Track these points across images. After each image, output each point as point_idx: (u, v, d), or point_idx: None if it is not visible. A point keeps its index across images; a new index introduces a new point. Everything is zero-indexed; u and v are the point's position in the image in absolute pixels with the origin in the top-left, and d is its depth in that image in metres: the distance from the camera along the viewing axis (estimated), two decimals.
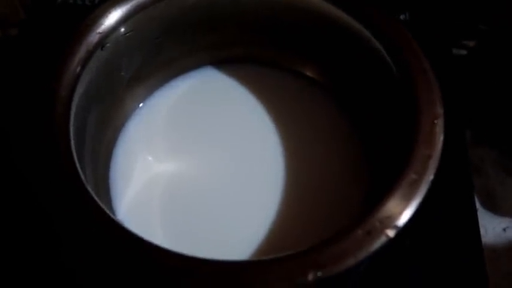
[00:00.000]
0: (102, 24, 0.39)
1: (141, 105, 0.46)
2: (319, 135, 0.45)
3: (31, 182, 0.42)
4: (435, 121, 0.35)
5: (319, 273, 0.29)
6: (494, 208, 0.52)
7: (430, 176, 0.34)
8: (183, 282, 0.28)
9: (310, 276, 0.29)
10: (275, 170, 0.43)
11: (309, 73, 0.48)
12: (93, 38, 0.38)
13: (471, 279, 0.44)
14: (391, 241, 0.31)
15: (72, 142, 0.33)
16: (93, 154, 0.39)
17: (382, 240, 0.31)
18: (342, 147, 0.44)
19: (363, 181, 0.42)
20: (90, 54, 0.37)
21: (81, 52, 0.37)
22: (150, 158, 0.44)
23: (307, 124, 0.46)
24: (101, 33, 0.38)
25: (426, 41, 0.39)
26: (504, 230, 0.52)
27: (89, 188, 0.31)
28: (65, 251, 0.41)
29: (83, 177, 0.32)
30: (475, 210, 0.49)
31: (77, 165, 0.32)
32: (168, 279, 0.29)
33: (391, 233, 0.31)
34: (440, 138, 0.35)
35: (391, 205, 0.32)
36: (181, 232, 0.40)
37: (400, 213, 0.32)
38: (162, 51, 0.45)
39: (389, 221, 0.32)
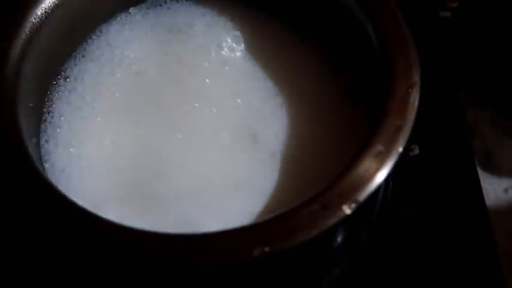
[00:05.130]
0: None
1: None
2: (308, 91, 0.41)
3: None
4: (409, 90, 0.33)
5: (266, 249, 0.28)
6: (494, 169, 0.50)
7: (399, 148, 0.32)
8: (123, 254, 0.28)
9: (256, 252, 0.28)
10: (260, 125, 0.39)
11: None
12: None
13: (478, 243, 0.43)
14: (348, 217, 0.30)
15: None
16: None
17: (338, 216, 0.30)
18: (333, 103, 0.40)
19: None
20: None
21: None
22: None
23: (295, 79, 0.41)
24: None
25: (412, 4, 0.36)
26: (506, 190, 0.50)
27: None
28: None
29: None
30: (476, 173, 0.46)
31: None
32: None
33: (348, 208, 0.30)
34: (413, 108, 0.33)
35: (353, 178, 0.31)
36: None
37: (362, 187, 0.31)
38: None
39: (349, 195, 0.30)
